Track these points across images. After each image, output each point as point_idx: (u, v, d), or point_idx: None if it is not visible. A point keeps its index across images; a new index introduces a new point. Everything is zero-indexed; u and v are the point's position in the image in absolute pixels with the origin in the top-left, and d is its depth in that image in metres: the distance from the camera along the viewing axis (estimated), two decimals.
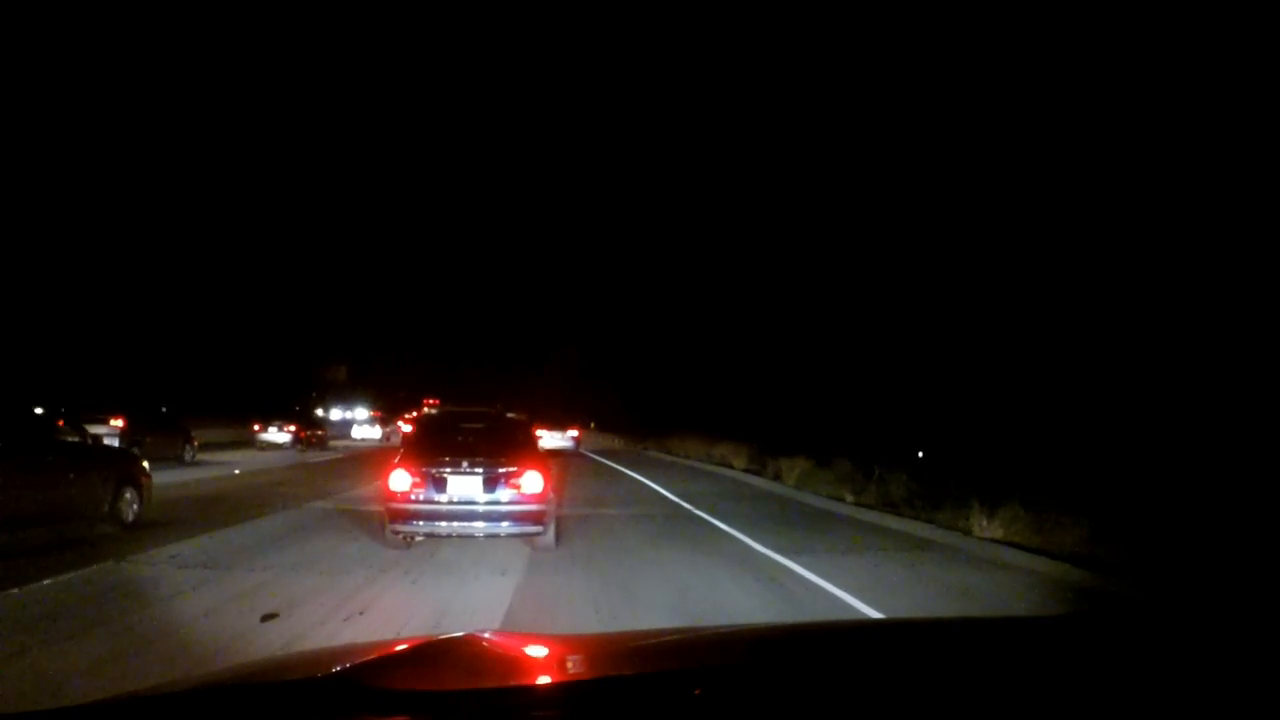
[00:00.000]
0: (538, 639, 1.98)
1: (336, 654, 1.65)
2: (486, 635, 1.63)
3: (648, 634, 1.86)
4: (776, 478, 17.98)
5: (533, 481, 7.81)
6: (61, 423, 9.39)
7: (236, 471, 17.20)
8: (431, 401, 59.02)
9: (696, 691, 1.23)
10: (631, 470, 21.18)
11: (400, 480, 7.71)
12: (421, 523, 7.73)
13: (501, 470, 7.79)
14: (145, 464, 8.81)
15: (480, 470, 7.75)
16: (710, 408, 35.41)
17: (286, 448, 28.21)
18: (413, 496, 7.72)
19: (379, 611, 5.43)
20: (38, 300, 33.64)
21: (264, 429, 29.12)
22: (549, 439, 30.79)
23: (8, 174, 29.73)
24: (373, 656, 1.42)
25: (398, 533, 7.82)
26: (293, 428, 29.68)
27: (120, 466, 8.32)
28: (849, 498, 13.47)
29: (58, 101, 33.62)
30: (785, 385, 33.45)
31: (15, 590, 5.50)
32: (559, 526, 8.50)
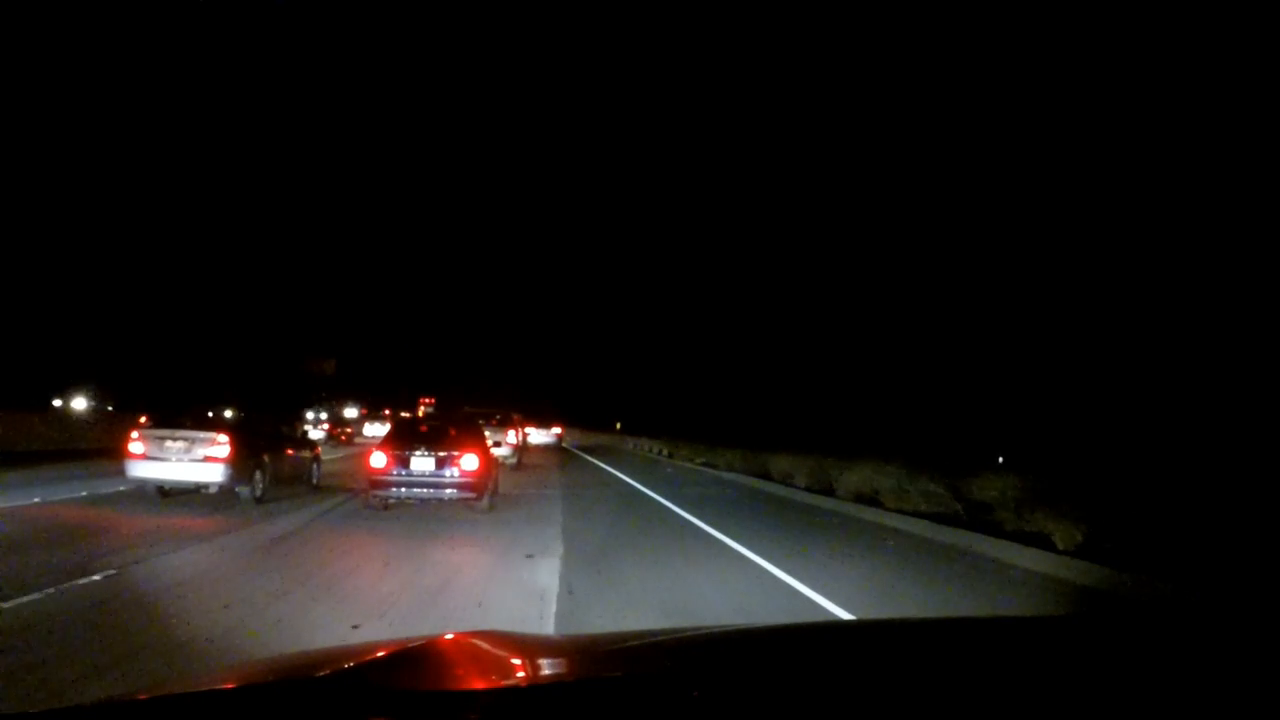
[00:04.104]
0: (537, 639, 2.29)
1: (338, 654, 1.74)
2: (486, 635, 1.76)
3: (646, 634, 1.97)
4: None
5: (470, 462, 11.64)
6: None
7: None
8: (428, 400, 64.66)
9: (695, 693, 1.30)
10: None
11: (378, 459, 11.64)
12: (393, 490, 11.61)
13: (448, 453, 11.66)
14: (321, 448, 14.87)
15: (433, 453, 11.70)
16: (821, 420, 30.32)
17: (322, 443, 33.94)
18: (386, 471, 11.54)
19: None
20: (35, 299, 38.32)
21: (302, 427, 35.15)
22: (535, 436, 34.97)
23: (6, 173, 34.32)
24: (373, 657, 1.51)
25: (376, 497, 11.75)
26: (326, 425, 35.85)
27: (313, 451, 14.57)
28: None
29: (56, 101, 38.35)
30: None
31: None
32: None
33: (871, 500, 14.57)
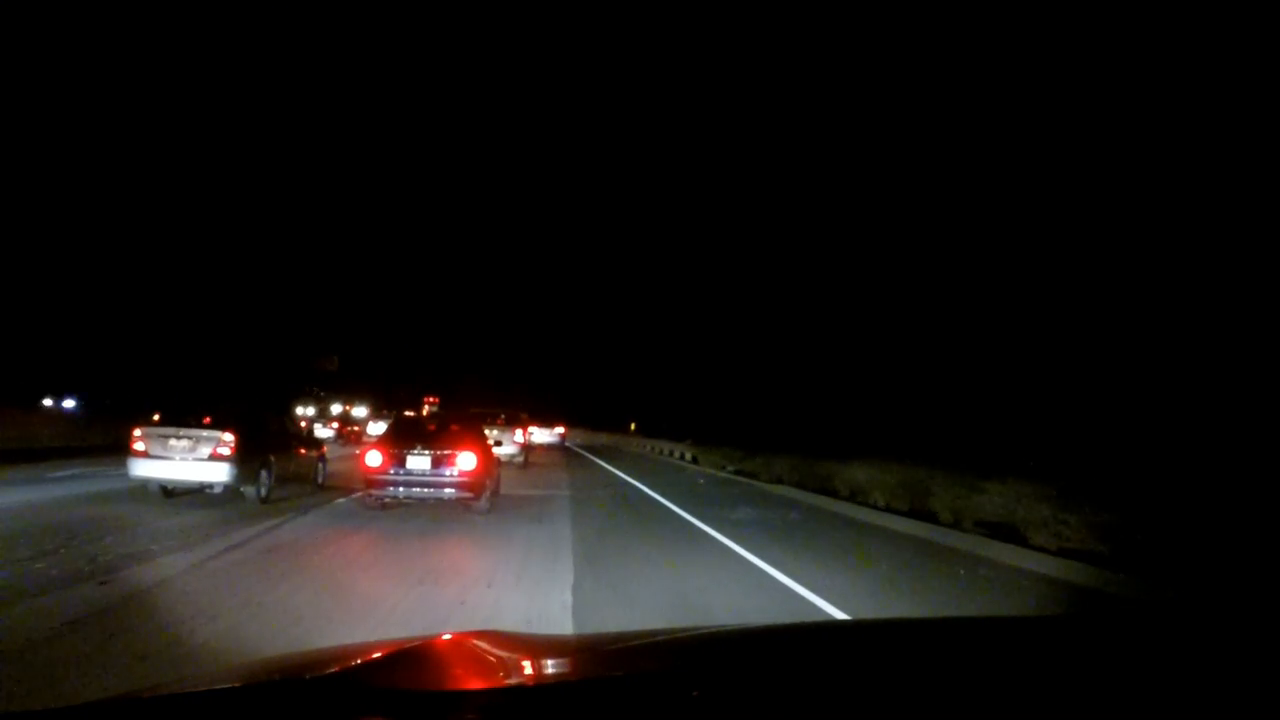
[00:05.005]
0: (536, 639, 2.37)
1: (337, 654, 1.78)
2: (486, 635, 1.80)
3: (646, 634, 2.02)
4: None
5: (468, 461, 11.50)
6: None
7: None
8: (432, 399, 64.87)
9: (695, 693, 1.33)
10: None
11: (374, 458, 11.58)
12: (389, 489, 11.49)
13: (445, 452, 11.53)
14: (327, 449, 14.87)
15: (430, 452, 11.59)
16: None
17: (331, 442, 34.18)
18: (383, 470, 11.46)
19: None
20: (37, 298, 38.72)
21: (309, 426, 35.34)
22: (538, 435, 35.02)
23: (11, 173, 34.59)
24: (372, 657, 1.55)
25: (371, 496, 11.67)
26: (335, 424, 36.23)
27: (319, 450, 14.68)
28: None
29: (59, 100, 38.70)
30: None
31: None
32: None
33: (1004, 532, 11.09)
